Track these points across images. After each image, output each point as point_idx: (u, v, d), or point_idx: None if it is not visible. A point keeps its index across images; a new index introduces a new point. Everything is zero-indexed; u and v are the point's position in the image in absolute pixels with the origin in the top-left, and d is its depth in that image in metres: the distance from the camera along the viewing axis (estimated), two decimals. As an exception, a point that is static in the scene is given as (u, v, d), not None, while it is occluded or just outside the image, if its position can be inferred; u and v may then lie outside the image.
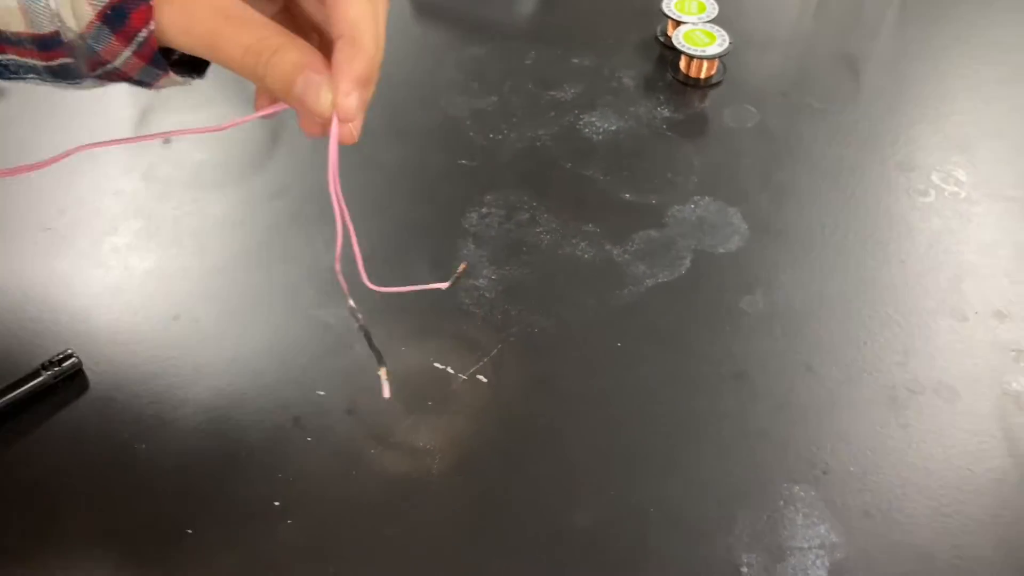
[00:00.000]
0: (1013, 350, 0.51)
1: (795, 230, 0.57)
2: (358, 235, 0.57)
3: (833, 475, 0.46)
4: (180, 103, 0.65)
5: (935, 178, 0.60)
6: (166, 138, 0.38)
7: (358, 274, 0.39)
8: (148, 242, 0.56)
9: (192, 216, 0.58)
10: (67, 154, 0.38)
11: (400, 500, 0.45)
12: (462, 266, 0.41)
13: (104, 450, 0.46)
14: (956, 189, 0.60)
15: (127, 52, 0.32)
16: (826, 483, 0.46)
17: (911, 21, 0.74)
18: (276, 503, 0.45)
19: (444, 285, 0.41)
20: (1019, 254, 0.56)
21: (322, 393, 0.49)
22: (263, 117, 0.36)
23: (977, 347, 0.51)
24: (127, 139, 0.40)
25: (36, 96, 0.64)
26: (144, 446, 0.47)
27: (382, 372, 0.40)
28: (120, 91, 0.66)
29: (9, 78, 0.37)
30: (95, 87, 0.37)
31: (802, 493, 0.45)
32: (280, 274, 0.54)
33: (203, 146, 0.62)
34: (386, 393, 0.40)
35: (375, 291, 0.40)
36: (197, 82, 0.66)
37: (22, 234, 0.56)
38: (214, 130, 0.36)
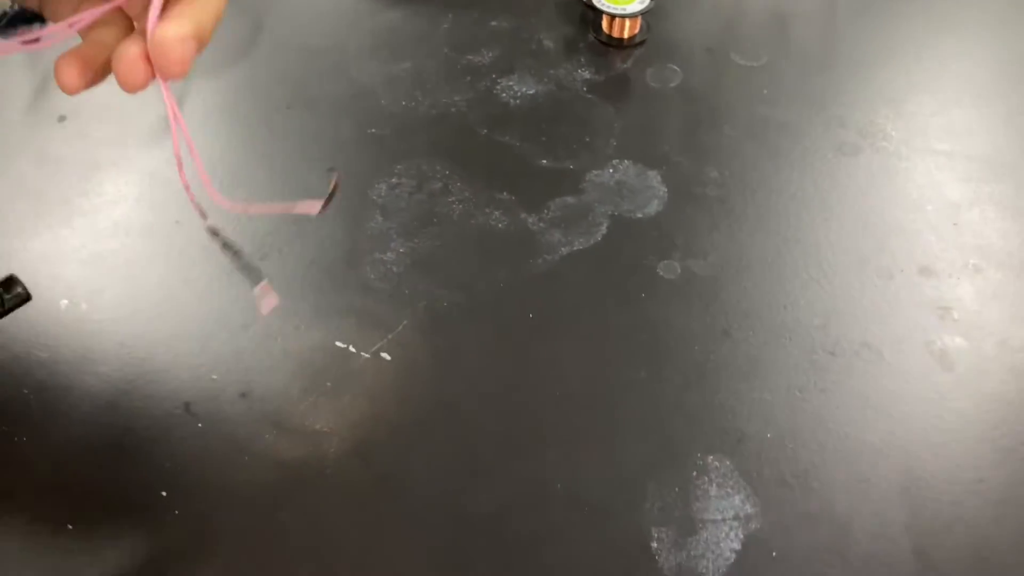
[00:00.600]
0: (939, 308, 0.49)
1: (717, 192, 0.55)
2: (264, 213, 0.54)
3: (749, 443, 0.44)
4: (77, 79, 0.62)
5: (863, 132, 0.58)
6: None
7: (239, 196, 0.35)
8: (37, 224, 0.53)
9: (85, 196, 0.55)
10: None
11: (295, 486, 0.43)
12: (334, 181, 0.36)
13: (-19, 445, 0.44)
14: (884, 144, 0.58)
15: None
16: (741, 452, 0.44)
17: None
18: (163, 493, 0.42)
19: (316, 205, 0.37)
20: (946, 209, 0.54)
21: (215, 377, 0.46)
22: (81, 25, 0.32)
23: (902, 306, 0.49)
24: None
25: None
26: (25, 438, 0.44)
27: (261, 287, 0.36)
28: (14, 65, 0.62)
29: None
30: None
31: (716, 463, 0.44)
32: (173, 256, 0.52)
33: (102, 122, 0.59)
34: (271, 304, 0.36)
35: (242, 212, 0.35)
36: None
37: (-97, 220, 0.53)
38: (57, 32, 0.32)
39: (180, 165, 0.32)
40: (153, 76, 0.31)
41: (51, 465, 0.43)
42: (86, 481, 0.43)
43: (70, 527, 0.41)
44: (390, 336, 0.48)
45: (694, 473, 0.43)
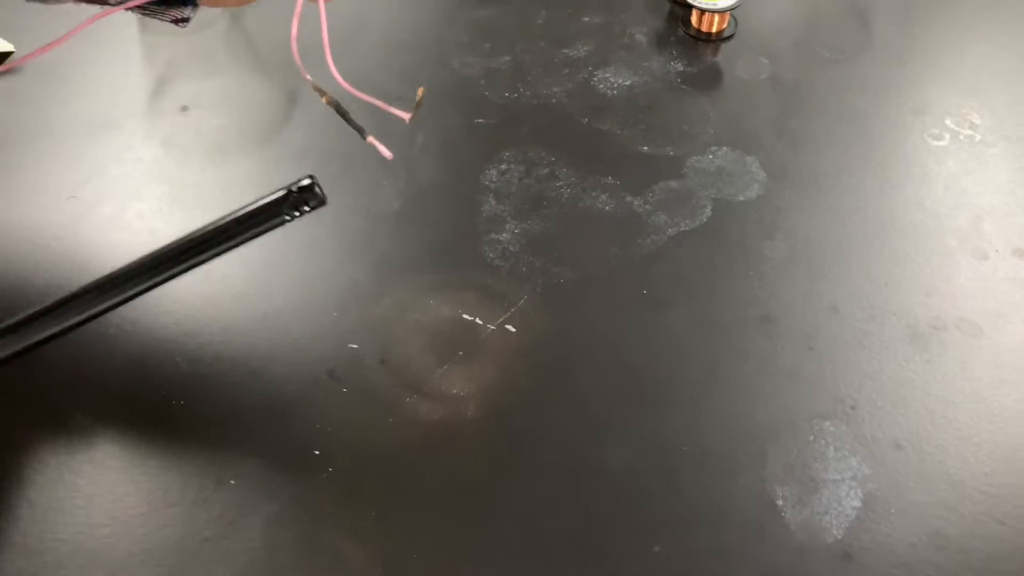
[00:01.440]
0: (1033, 286, 0.52)
1: (813, 177, 0.58)
2: (379, 197, 0.58)
3: (862, 410, 0.47)
4: (196, 71, 0.65)
5: (949, 122, 0.61)
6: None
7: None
8: (172, 207, 0.56)
9: (214, 180, 0.58)
10: (96, 18, 0.39)
11: (437, 446, 0.46)
12: (420, 91, 0.40)
13: (141, 407, 0.47)
14: (971, 132, 0.60)
15: None
16: (855, 418, 0.46)
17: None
18: (316, 452, 0.45)
19: (407, 115, 0.40)
20: (1035, 193, 0.56)
21: (355, 346, 0.49)
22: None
23: (998, 284, 0.52)
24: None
25: (50, 72, 0.65)
26: (183, 402, 0.47)
27: (371, 139, 0.39)
28: (136, 61, 0.66)
29: None
30: None
31: (832, 428, 0.46)
32: (305, 233, 0.55)
33: (221, 112, 0.63)
34: (387, 153, 0.40)
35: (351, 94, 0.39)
36: (213, 51, 0.66)
37: (47, 203, 0.57)
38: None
39: (297, 16, 0.36)
40: None
41: (210, 425, 0.46)
42: (243, 440, 0.46)
43: (232, 482, 0.44)
44: (512, 310, 0.51)
45: (811, 437, 0.46)
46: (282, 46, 0.59)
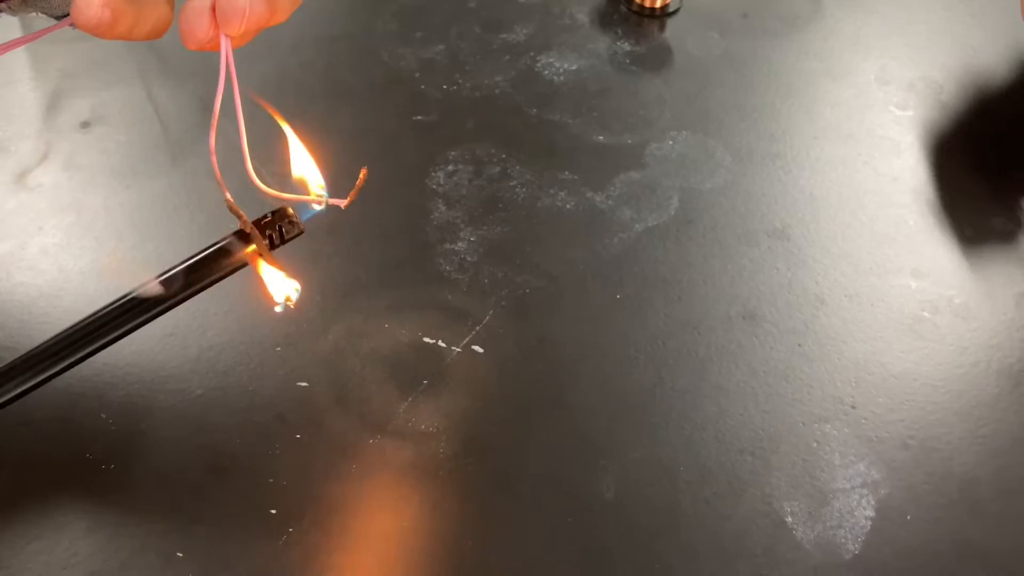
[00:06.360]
0: None
1: (780, 157, 0.54)
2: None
3: (863, 409, 0.44)
4: (94, 82, 0.58)
5: (912, 89, 0.58)
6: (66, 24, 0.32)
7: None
8: (82, 239, 0.50)
9: (127, 205, 0.52)
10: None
11: (410, 492, 0.41)
12: (362, 173, 0.35)
13: (71, 474, 0.41)
14: (937, 98, 0.57)
15: None
16: (857, 418, 0.43)
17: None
18: (272, 511, 0.40)
19: (343, 202, 0.36)
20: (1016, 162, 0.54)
21: (304, 384, 0.44)
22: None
23: (986, 260, 0.49)
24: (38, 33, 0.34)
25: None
26: (113, 466, 0.41)
27: (292, 290, 0.35)
28: (24, 73, 0.59)
29: None
30: None
31: (834, 432, 0.43)
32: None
33: (126, 127, 0.56)
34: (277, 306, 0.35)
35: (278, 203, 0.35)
36: (112, 57, 0.60)
37: (-68, 244, 0.50)
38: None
39: (213, 128, 0.32)
40: (215, 33, 0.30)
41: (148, 492, 0.41)
42: (188, 505, 0.40)
43: (180, 555, 0.39)
44: (478, 328, 0.46)
45: (814, 443, 0.42)
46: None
